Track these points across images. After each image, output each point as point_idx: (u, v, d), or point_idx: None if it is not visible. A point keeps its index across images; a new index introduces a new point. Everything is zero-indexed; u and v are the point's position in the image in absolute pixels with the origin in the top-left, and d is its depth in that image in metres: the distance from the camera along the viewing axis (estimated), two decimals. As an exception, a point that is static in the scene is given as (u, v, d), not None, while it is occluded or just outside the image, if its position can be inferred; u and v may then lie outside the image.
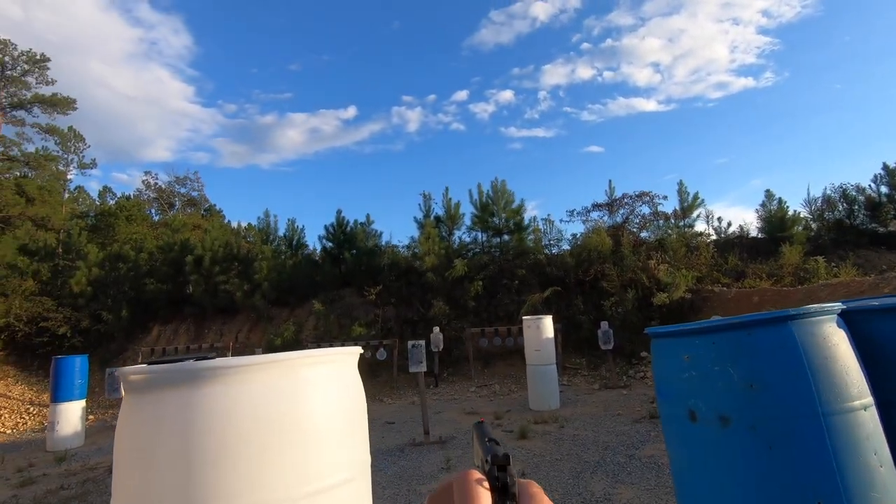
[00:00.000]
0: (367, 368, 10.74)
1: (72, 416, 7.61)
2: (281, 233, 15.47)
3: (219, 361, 0.95)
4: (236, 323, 13.16)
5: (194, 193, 33.65)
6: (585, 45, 38.51)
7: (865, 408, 1.17)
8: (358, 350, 1.12)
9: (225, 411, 0.93)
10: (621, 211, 14.07)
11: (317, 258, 14.75)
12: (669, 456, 1.42)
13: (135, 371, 0.99)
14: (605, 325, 9.16)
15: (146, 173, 33.78)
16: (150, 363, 1.00)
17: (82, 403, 7.82)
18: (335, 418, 1.02)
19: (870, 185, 14.98)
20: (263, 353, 10.82)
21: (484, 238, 14.08)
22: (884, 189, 14.73)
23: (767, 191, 14.74)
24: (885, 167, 14.78)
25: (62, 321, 12.70)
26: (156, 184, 32.60)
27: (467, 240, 14.17)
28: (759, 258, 12.49)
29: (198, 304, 13.29)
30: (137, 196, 30.24)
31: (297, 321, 12.48)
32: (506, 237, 13.82)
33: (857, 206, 14.81)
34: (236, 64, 45.31)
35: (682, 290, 10.61)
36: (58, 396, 7.56)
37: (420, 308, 11.88)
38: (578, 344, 10.90)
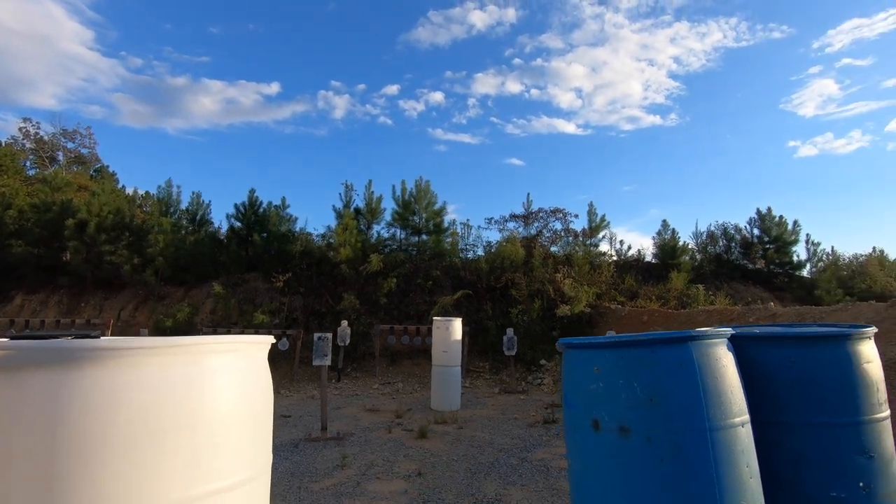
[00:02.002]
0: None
1: None
2: (184, 206, 14.25)
3: (105, 341, 0.82)
4: (120, 299, 11.91)
5: (84, 150, 30.01)
6: (517, 61, 39.90)
7: (743, 424, 1.31)
8: (270, 339, 1.03)
9: (107, 400, 0.79)
10: (536, 224, 14.74)
11: (222, 237, 13.79)
12: (569, 461, 1.48)
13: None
14: (510, 331, 9.51)
15: (24, 119, 29.46)
16: (13, 337, 0.83)
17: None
18: (240, 413, 0.93)
19: (745, 227, 17.06)
20: (150, 334, 9.89)
21: (402, 236, 14.04)
22: (756, 231, 16.82)
23: (664, 221, 16.23)
24: (758, 212, 16.90)
25: None
26: (36, 133, 28.59)
27: (385, 235, 14.05)
28: (651, 281, 13.69)
29: (75, 273, 11.85)
30: (11, 144, 26.33)
31: (192, 303, 11.56)
32: (424, 237, 13.88)
33: (733, 244, 16.78)
34: (148, 16, 41.06)
35: (583, 304, 11.31)
36: None
37: (330, 300, 11.54)
38: (483, 348, 11.20)
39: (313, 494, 4.08)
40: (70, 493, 0.78)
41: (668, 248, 15.60)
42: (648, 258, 16.31)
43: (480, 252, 14.00)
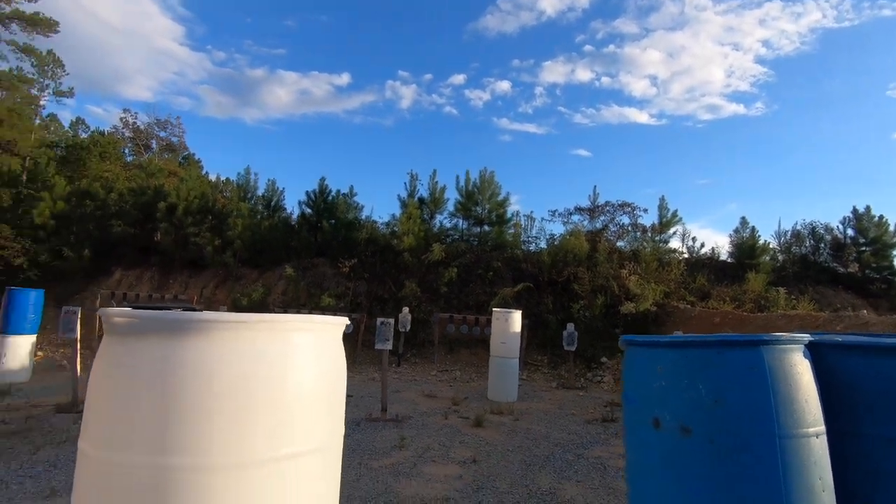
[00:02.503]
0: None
1: (20, 350, 7.37)
2: (260, 192, 15.14)
3: (208, 314, 0.94)
4: (203, 278, 12.90)
5: (174, 139, 32.53)
6: (588, 48, 38.54)
7: (818, 435, 1.25)
8: (345, 321, 1.12)
9: (207, 366, 0.91)
10: (602, 218, 14.30)
11: (293, 223, 14.51)
12: (627, 458, 1.48)
13: (119, 313, 0.97)
14: (570, 326, 9.35)
15: (125, 111, 32.46)
16: (134, 307, 0.97)
17: (32, 339, 7.59)
18: (319, 386, 1.02)
19: (837, 227, 15.62)
20: (228, 311, 10.66)
21: (465, 226, 14.13)
22: (850, 232, 15.36)
23: (743, 218, 15.21)
24: (855, 211, 15.40)
25: (19, 252, 12.21)
26: (134, 123, 31.32)
27: (448, 225, 14.20)
28: (725, 281, 12.91)
29: (165, 253, 12.96)
30: (113, 133, 29.03)
31: (265, 284, 12.31)
32: (486, 228, 13.89)
33: (822, 245, 15.42)
34: (231, 10, 43.64)
35: (649, 302, 10.89)
36: (7, 328, 7.30)
37: (392, 287, 11.87)
38: (542, 342, 11.10)
39: (372, 471, 4.27)
40: (177, 441, 0.90)
41: (745, 247, 14.63)
42: (723, 257, 15.39)
43: (543, 245, 13.82)
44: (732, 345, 1.26)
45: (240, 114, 43.70)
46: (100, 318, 1.05)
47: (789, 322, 8.15)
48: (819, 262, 15.20)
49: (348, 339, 10.59)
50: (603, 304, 11.18)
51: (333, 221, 13.59)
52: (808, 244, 15.63)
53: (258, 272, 12.86)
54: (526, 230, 14.27)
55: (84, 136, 26.44)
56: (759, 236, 14.81)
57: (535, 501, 3.83)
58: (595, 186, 14.91)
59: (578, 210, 14.47)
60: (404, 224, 12.55)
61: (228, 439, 0.90)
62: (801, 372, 1.27)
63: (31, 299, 7.56)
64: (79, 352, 6.04)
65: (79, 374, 5.97)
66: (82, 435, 1.00)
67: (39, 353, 9.46)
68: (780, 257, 15.44)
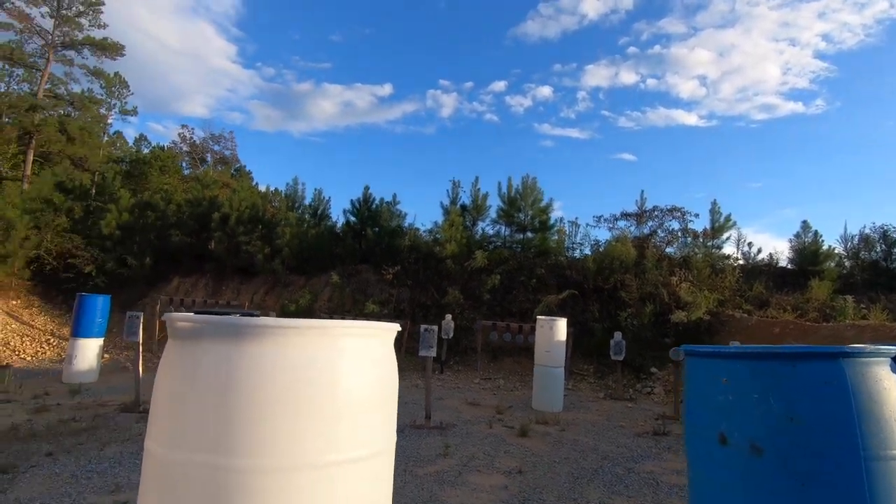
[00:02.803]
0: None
1: (89, 352, 7.87)
2: (307, 201, 15.62)
3: (264, 320, 0.96)
4: (254, 284, 13.39)
5: (227, 152, 34.06)
6: (632, 49, 37.61)
7: (909, 458, 1.13)
8: (396, 327, 1.12)
9: (264, 370, 0.94)
10: (650, 223, 13.84)
11: (339, 231, 14.85)
12: (689, 475, 1.39)
13: (182, 318, 1.01)
14: (618, 335, 9.07)
15: (183, 126, 34.27)
16: (197, 313, 1.01)
17: (100, 341, 8.08)
18: (370, 391, 1.03)
19: (912, 229, 14.42)
20: (277, 317, 11.00)
21: (507, 233, 14.02)
22: (927, 235, 14.16)
23: (804, 222, 14.33)
24: (932, 213, 14.20)
25: (89, 260, 13.09)
26: (191, 138, 33.03)
27: (490, 232, 14.13)
28: (786, 289, 12.18)
29: (218, 260, 13.55)
30: (172, 148, 30.72)
31: (312, 290, 12.63)
32: (529, 234, 13.73)
33: (895, 249, 14.29)
34: (279, 28, 45.48)
35: (702, 310, 10.42)
36: (78, 332, 7.82)
37: (435, 294, 11.91)
38: (588, 350, 10.81)
39: (417, 478, 4.26)
40: (234, 443, 0.93)
41: (808, 253, 13.77)
42: (783, 263, 14.54)
43: (588, 251, 13.50)
44: (808, 357, 1.17)
45: (287, 126, 45.37)
46: (163, 322, 1.09)
47: (860, 333, 7.58)
48: (892, 268, 14.09)
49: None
50: (652, 312, 10.78)
51: (377, 229, 13.82)
52: (878, 249, 14.52)
53: (305, 279, 13.22)
54: (570, 236, 14.01)
55: (146, 151, 28.12)
56: (823, 241, 13.92)
57: (584, 516, 3.70)
58: (643, 191, 14.48)
59: (625, 215, 14.08)
60: (447, 231, 12.59)
61: (283, 442, 0.92)
62: (889, 387, 1.15)
63: (99, 305, 8.06)
64: (141, 354, 6.38)
65: (141, 375, 6.31)
66: (148, 434, 1.04)
67: (106, 355, 10.05)
68: (847, 263, 14.43)
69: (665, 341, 10.40)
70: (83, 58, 22.83)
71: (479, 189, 14.11)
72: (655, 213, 13.73)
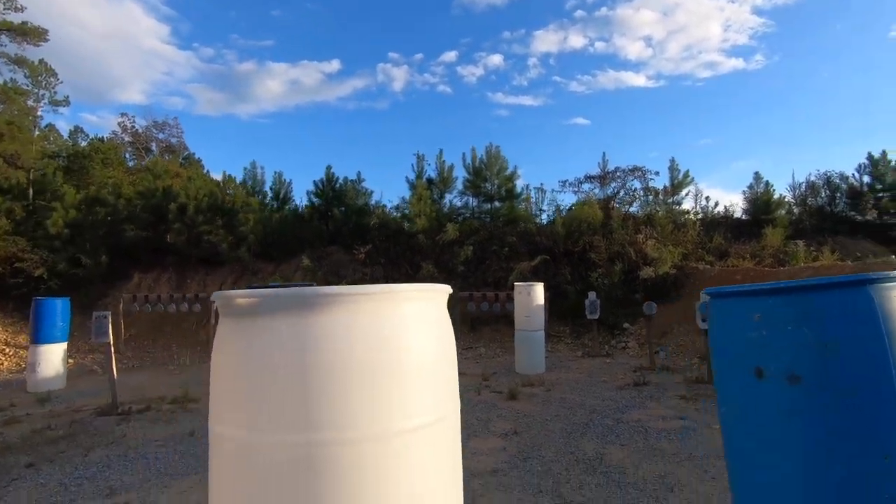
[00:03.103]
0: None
1: (53, 358, 7.47)
2: (267, 186, 15.11)
3: (333, 289, 0.92)
4: (220, 274, 12.97)
5: (173, 140, 32.30)
6: (579, 13, 37.61)
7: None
8: (449, 289, 1.09)
9: (339, 339, 0.90)
10: (613, 184, 14.14)
11: (303, 214, 14.49)
12: (723, 412, 1.45)
13: (244, 295, 0.96)
14: (592, 295, 9.33)
15: (122, 115, 32.11)
16: (250, 288, 0.96)
17: (63, 346, 7.68)
18: (434, 355, 1.00)
19: (853, 174, 15.36)
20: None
21: (475, 203, 14.05)
22: (866, 178, 15.12)
23: (756, 173, 14.99)
24: (870, 157, 15.12)
25: (38, 263, 12.31)
26: (132, 127, 31.11)
27: (458, 204, 14.12)
28: (743, 239, 12.78)
29: (179, 252, 13.01)
30: (112, 138, 28.89)
31: (283, 276, 12.36)
32: (497, 204, 13.80)
33: (839, 194, 15.20)
34: (214, 5, 42.85)
35: (668, 265, 10.83)
36: (38, 338, 7.39)
37: (409, 270, 11.87)
38: (563, 312, 11.09)
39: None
40: (318, 417, 0.90)
41: (760, 203, 14.45)
42: (738, 214, 15.21)
43: (555, 216, 13.71)
44: (837, 286, 1.22)
45: (233, 109, 43.30)
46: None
47: (815, 273, 8.06)
48: (836, 212, 15.00)
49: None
50: (621, 270, 11.13)
51: (343, 209, 13.56)
52: (823, 195, 15.41)
53: (274, 265, 12.91)
54: (537, 203, 14.17)
55: (84, 144, 26.36)
56: (774, 190, 14.63)
57: (583, 467, 3.85)
58: (605, 153, 14.82)
59: (589, 178, 14.33)
60: (415, 206, 12.48)
61: (363, 412, 0.90)
62: (913, 308, 1.23)
63: (59, 308, 7.63)
64: (113, 355, 6.11)
65: (115, 376, 6.05)
66: (215, 419, 0.98)
67: (70, 360, 9.58)
68: (796, 210, 15.25)
69: (635, 297, 10.79)
70: (1, 45, 20.96)
71: (444, 161, 14.02)
72: (618, 174, 14.05)
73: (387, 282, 11.88)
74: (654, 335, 8.81)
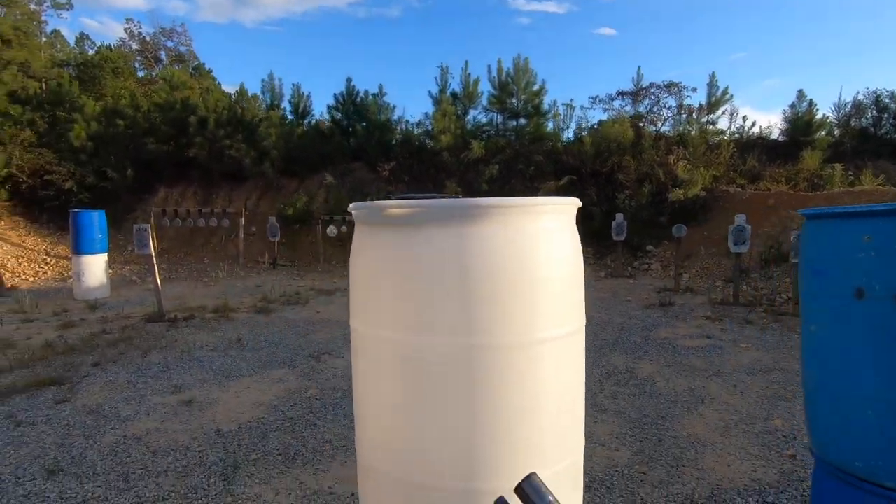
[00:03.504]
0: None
1: (96, 268, 7.80)
2: (285, 100, 14.66)
3: (486, 200, 0.93)
4: (244, 190, 13.04)
5: (182, 48, 31.04)
6: None
7: None
8: (578, 202, 1.09)
9: (491, 249, 0.93)
10: (646, 101, 13.45)
11: (324, 129, 14.18)
12: (810, 335, 1.47)
13: (401, 205, 0.97)
14: (619, 216, 9.25)
15: (128, 21, 30.83)
16: (399, 198, 0.97)
17: (104, 257, 7.98)
18: (571, 268, 1.02)
19: (906, 93, 14.29)
20: (277, 223, 10.93)
21: (500, 120, 13.55)
22: (919, 98, 14.09)
23: (800, 91, 14.05)
24: (928, 74, 13.99)
25: (67, 175, 12.46)
26: (139, 34, 29.84)
27: (483, 121, 13.62)
28: (778, 161, 12.29)
29: (203, 167, 13.01)
30: (120, 47, 27.86)
31: (307, 192, 12.38)
32: (522, 121, 13.30)
33: (887, 115, 14.28)
34: None
35: (698, 187, 10.57)
36: (80, 249, 7.67)
37: (433, 188, 11.78)
38: (587, 233, 11.06)
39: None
40: (471, 321, 0.95)
41: (801, 124, 13.68)
42: (774, 135, 14.49)
43: (584, 134, 13.23)
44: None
45: (238, 15, 41.00)
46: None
47: (855, 199, 7.83)
48: (881, 134, 14.19)
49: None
50: (649, 192, 10.91)
51: (365, 124, 13.21)
52: (869, 115, 14.50)
53: (298, 181, 12.89)
54: (564, 120, 13.61)
55: (91, 52, 25.50)
56: (818, 110, 13.76)
57: (615, 379, 4.03)
58: (639, 67, 13.98)
59: (621, 94, 13.61)
60: (439, 122, 12.10)
61: (516, 320, 0.94)
62: None
63: (96, 220, 7.83)
64: (156, 266, 6.34)
65: (159, 286, 6.32)
66: (368, 322, 1.04)
67: (109, 270, 10.00)
68: (837, 132, 14.45)
69: (661, 220, 10.68)
70: (-2, -58, 19.66)
71: (469, 74, 13.33)
72: (652, 90, 13.30)
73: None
74: (682, 258, 8.83)
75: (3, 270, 9.35)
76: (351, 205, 1.10)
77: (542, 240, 0.98)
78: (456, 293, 0.93)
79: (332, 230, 10.91)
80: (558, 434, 1.03)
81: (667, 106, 13.31)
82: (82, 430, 3.10)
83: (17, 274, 9.75)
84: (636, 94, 13.34)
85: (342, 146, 13.12)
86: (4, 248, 10.53)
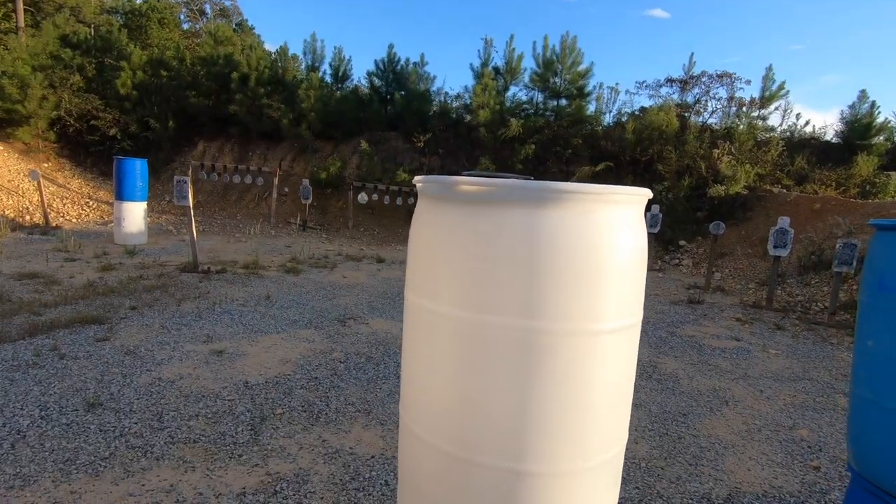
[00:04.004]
0: (407, 214, 10.99)
1: (135, 215, 8.05)
2: (326, 63, 14.59)
3: (560, 185, 0.91)
4: (280, 150, 13.16)
5: (227, 2, 31.08)
6: None
7: None
8: (649, 193, 1.06)
9: (560, 234, 0.92)
10: (695, 90, 12.91)
11: (363, 95, 14.11)
12: (866, 350, 1.42)
13: (473, 182, 0.96)
14: (655, 208, 9.02)
15: (175, -29, 30.79)
16: (470, 175, 0.96)
17: (144, 205, 8.22)
18: (634, 259, 1.00)
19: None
20: (310, 185, 11.04)
21: (540, 99, 13.23)
22: None
23: (863, 91, 13.24)
24: None
25: (111, 122, 12.78)
26: (184, -17, 29.91)
27: (523, 98, 13.32)
28: (829, 164, 11.73)
29: (242, 124, 13.15)
30: (167, -3, 28.04)
31: (341, 157, 12.43)
32: (563, 101, 12.96)
33: (954, 123, 13.39)
34: None
35: (740, 185, 10.21)
36: (122, 195, 7.91)
37: (466, 163, 11.68)
38: (619, 223, 10.86)
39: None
40: (538, 305, 0.94)
41: (859, 127, 12.95)
42: (828, 136, 13.78)
43: (626, 120, 12.83)
44: None
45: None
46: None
47: (909, 210, 7.43)
48: (946, 143, 13.34)
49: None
50: (688, 185, 10.58)
51: (404, 93, 13.09)
52: (936, 122, 13.60)
53: (333, 145, 12.93)
54: (607, 104, 13.21)
55: (139, 1, 25.75)
56: (879, 113, 12.99)
57: (638, 372, 3.99)
58: (692, 53, 13.32)
59: (669, 81, 13.09)
60: (479, 96, 11.90)
61: (581, 307, 0.94)
62: None
63: (138, 168, 8.04)
64: (193, 218, 6.50)
65: (195, 238, 6.50)
66: (428, 296, 1.05)
67: (147, 218, 10.32)
68: (897, 138, 13.65)
69: (698, 215, 10.38)
70: None
71: (513, 49, 12.99)
72: (703, 78, 12.74)
73: (442, 172, 11.81)
74: (716, 255, 8.60)
75: (49, 209, 9.74)
76: (417, 177, 1.10)
77: (612, 228, 0.96)
78: (523, 275, 0.92)
79: (363, 197, 10.98)
80: (605, 426, 1.03)
81: (716, 97, 12.77)
82: (120, 369, 3.25)
83: (61, 214, 10.15)
84: (685, 83, 12.82)
85: (379, 114, 13.06)
86: (51, 189, 10.94)
